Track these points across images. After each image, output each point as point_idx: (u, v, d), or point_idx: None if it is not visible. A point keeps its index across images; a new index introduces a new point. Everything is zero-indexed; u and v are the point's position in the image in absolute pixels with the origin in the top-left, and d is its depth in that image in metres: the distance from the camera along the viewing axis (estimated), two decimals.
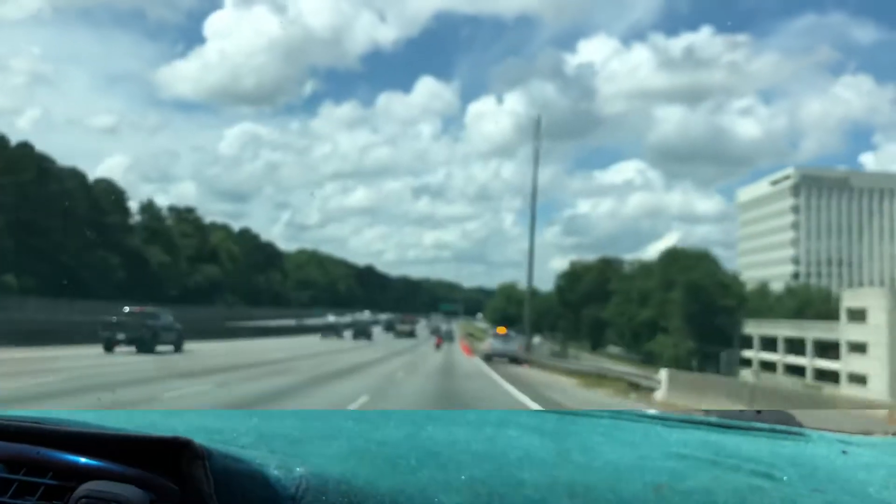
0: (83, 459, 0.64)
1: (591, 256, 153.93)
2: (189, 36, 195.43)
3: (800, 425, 1.31)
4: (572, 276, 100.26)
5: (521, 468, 0.85)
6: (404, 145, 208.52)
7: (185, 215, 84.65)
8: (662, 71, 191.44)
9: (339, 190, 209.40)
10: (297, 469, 0.75)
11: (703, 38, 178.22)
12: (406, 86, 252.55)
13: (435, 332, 66.90)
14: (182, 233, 78.47)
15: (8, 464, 0.66)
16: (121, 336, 23.07)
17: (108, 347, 23.01)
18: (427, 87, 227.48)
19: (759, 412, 1.41)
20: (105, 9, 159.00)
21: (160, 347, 24.16)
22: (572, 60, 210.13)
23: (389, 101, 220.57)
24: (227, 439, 0.89)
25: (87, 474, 0.65)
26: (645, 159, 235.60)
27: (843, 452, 1.03)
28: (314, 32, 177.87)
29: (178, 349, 25.43)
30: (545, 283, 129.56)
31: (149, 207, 77.42)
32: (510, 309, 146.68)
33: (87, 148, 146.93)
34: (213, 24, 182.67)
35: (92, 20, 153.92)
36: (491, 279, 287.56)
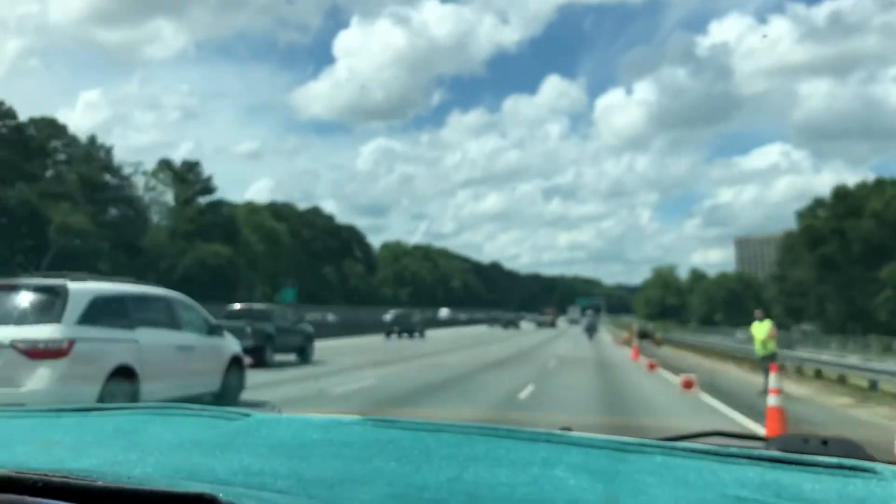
0: None
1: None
2: (319, 57, 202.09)
3: (871, 458, 1.15)
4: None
5: None
6: (533, 147, 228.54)
7: None
8: (805, 42, 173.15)
9: (472, 197, 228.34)
10: None
11: (851, 1, 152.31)
12: (532, 87, 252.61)
13: (573, 323, 79.06)
14: None
15: None
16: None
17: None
18: (553, 86, 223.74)
19: (825, 442, 1.25)
20: (242, 41, 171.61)
21: None
22: (704, 42, 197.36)
23: (516, 104, 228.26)
24: (265, 483, 0.85)
25: None
26: (789, 140, 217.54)
27: None
28: (439, 42, 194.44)
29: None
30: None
31: None
32: (669, 298, 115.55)
33: (235, 174, 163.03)
34: (341, 44, 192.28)
35: (232, 55, 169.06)
36: (630, 277, 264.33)
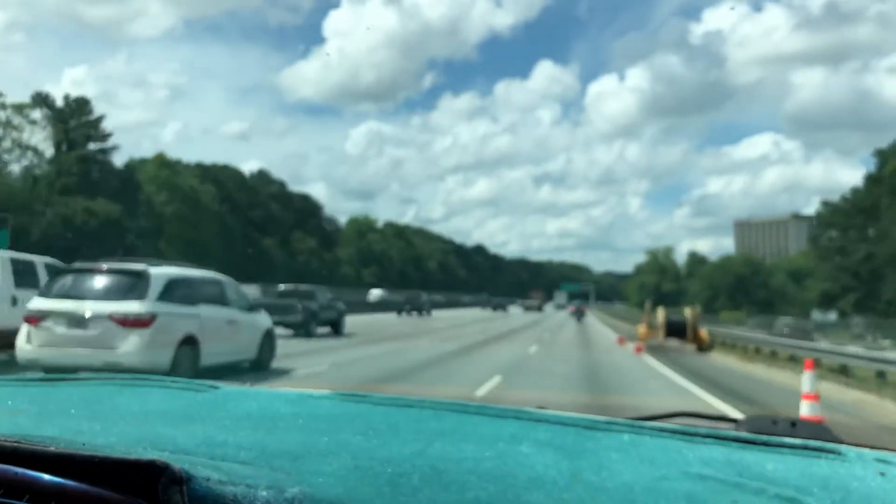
0: (60, 481, 0.63)
1: (725, 237, 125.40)
2: (309, 37, 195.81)
3: (837, 440, 1.19)
4: None
5: (530, 490, 0.79)
6: (524, 133, 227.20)
7: None
8: (799, 31, 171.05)
9: (461, 182, 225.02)
10: (291, 490, 0.71)
11: None
12: (524, 72, 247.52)
13: (559, 308, 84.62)
14: None
15: None
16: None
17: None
18: (545, 72, 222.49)
19: (794, 424, 1.28)
20: (231, 20, 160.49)
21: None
22: (698, 29, 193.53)
23: (508, 89, 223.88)
24: (228, 454, 0.84)
25: (63, 496, 0.63)
26: (780, 130, 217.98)
27: (881, 474, 0.93)
28: (431, 24, 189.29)
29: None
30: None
31: None
32: (665, 284, 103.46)
33: (222, 154, 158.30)
34: (332, 24, 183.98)
35: (221, 34, 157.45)
36: (619, 266, 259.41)
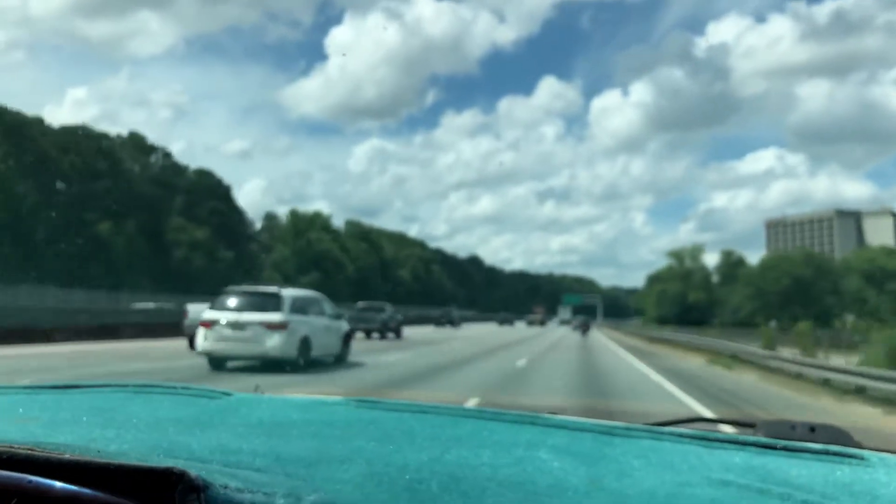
0: (76, 489, 0.63)
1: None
2: (310, 53, 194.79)
3: (858, 445, 1.17)
4: None
5: (550, 497, 0.78)
6: (527, 149, 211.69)
7: None
8: (804, 43, 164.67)
9: (465, 199, 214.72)
10: (308, 497, 0.70)
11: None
12: (527, 87, 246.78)
13: (563, 324, 77.53)
14: None
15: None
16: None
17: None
18: (548, 87, 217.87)
19: (812, 429, 1.27)
20: (232, 37, 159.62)
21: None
22: (702, 42, 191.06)
23: (511, 105, 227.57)
24: (243, 461, 0.84)
25: None
26: (785, 143, 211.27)
27: None
28: (433, 40, 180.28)
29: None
30: None
31: None
32: (693, 293, 76.07)
33: (225, 173, 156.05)
34: (333, 40, 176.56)
35: (223, 53, 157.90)
36: (625, 280, 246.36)
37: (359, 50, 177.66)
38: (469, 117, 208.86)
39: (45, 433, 0.97)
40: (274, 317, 13.91)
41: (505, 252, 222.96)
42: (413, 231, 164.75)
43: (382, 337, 31.23)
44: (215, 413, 1.12)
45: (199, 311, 17.36)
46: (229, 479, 0.66)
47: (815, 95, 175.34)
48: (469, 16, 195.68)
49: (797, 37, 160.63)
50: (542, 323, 78.02)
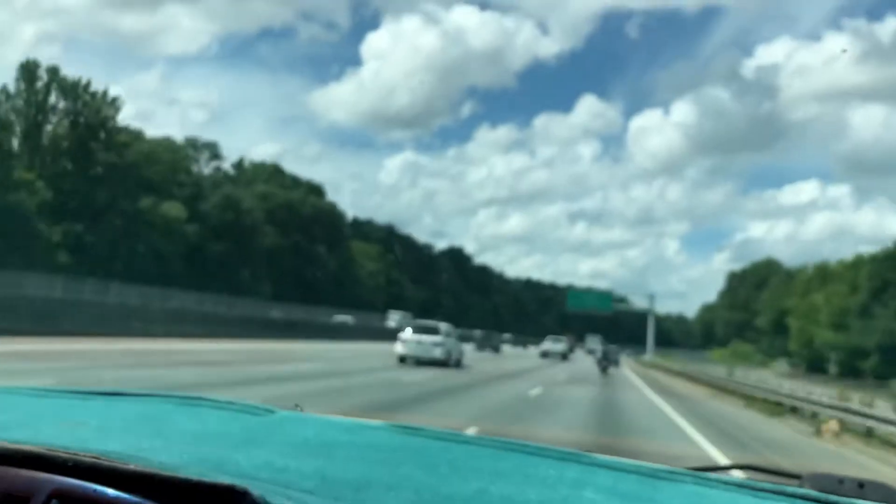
0: (141, 501, 0.65)
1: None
2: (344, 58, 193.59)
3: None
4: None
5: None
6: (561, 168, 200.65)
7: None
8: (864, 63, 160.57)
9: (495, 216, 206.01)
10: None
11: None
12: (566, 104, 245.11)
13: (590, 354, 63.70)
14: None
15: (63, 499, 0.66)
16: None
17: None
18: (588, 106, 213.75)
19: (861, 485, 1.20)
20: (265, 38, 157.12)
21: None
22: (751, 62, 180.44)
23: (547, 122, 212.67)
24: (291, 481, 0.85)
25: None
26: (830, 173, 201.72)
27: None
28: (473, 49, 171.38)
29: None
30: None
31: None
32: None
33: None
34: (369, 44, 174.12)
35: (256, 55, 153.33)
36: (660, 306, 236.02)
37: (394, 56, 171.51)
38: (504, 132, 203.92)
39: (95, 438, 0.98)
40: (437, 338, 26.31)
41: (534, 272, 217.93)
42: (441, 246, 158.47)
43: (495, 352, 52.98)
44: (259, 429, 1.13)
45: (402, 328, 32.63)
46: (282, 499, 0.66)
47: (867, 122, 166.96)
48: (512, 26, 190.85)
49: (855, 57, 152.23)
50: (565, 356, 54.22)
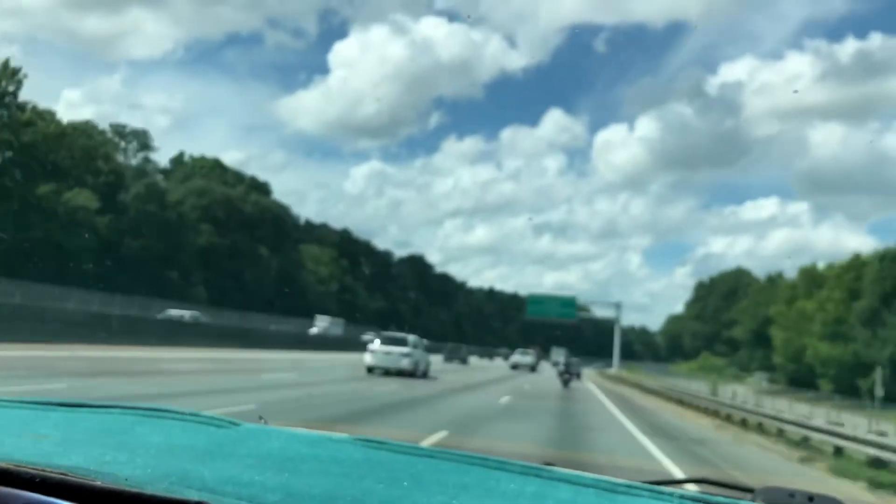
0: None
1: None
2: (311, 65, 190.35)
3: None
4: None
5: None
6: (527, 180, 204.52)
7: None
8: (825, 82, 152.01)
9: (461, 227, 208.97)
10: None
11: (879, 40, 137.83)
12: (532, 118, 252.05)
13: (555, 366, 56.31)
14: None
15: None
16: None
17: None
18: (554, 119, 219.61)
19: (811, 499, 1.23)
20: (231, 43, 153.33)
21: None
22: (715, 79, 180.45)
23: (514, 135, 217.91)
24: (255, 496, 0.86)
25: None
26: (790, 190, 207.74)
27: None
28: (441, 60, 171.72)
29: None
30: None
31: None
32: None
33: None
34: (337, 52, 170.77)
35: (221, 60, 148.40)
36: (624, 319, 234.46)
37: (362, 65, 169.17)
38: (470, 143, 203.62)
39: (59, 452, 0.97)
40: (404, 349, 27.13)
41: (498, 284, 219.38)
42: (404, 256, 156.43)
43: (463, 364, 53.19)
44: (224, 442, 1.11)
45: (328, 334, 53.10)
46: None
47: (826, 141, 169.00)
48: (480, 39, 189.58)
49: (815, 76, 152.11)
50: (534, 368, 58.67)
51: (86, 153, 50.96)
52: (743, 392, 35.43)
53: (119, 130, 63.90)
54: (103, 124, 63.63)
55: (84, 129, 53.94)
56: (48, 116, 51.15)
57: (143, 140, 65.66)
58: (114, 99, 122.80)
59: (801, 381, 54.33)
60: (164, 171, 69.15)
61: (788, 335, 57.83)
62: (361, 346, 57.02)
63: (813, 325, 52.78)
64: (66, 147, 49.07)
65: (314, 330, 55.46)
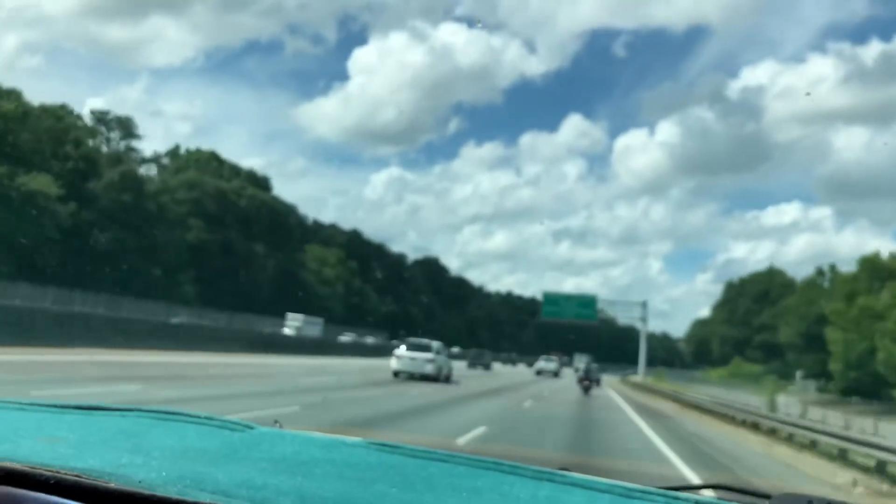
0: None
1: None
2: (331, 72, 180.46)
3: None
4: None
5: None
6: (546, 186, 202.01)
7: None
8: (848, 85, 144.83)
9: (479, 233, 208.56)
10: None
11: None
12: (551, 123, 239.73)
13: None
14: None
15: None
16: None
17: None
18: (573, 124, 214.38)
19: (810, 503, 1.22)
20: (251, 51, 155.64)
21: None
22: (736, 83, 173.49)
23: (533, 140, 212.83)
24: (268, 498, 0.87)
25: None
26: (813, 195, 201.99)
27: None
28: (461, 66, 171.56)
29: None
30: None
31: None
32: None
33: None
34: (357, 61, 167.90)
35: (241, 68, 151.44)
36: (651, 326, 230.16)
37: (381, 71, 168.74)
38: (489, 149, 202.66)
39: (74, 455, 0.97)
40: (429, 355, 28.77)
41: (517, 290, 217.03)
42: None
43: (487, 369, 54.49)
44: (239, 446, 1.12)
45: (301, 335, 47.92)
46: None
47: (850, 145, 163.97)
48: (499, 45, 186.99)
49: (838, 79, 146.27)
50: (557, 374, 58.16)
51: (52, 137, 45.67)
52: (795, 404, 29.33)
53: (101, 117, 58.73)
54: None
55: (53, 112, 48.72)
56: (13, 96, 46.08)
57: (127, 127, 60.45)
58: (136, 106, 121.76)
59: (862, 390, 47.70)
60: (159, 164, 64.10)
61: (849, 337, 50.93)
62: (339, 350, 50.60)
63: (884, 324, 45.81)
64: (29, 129, 43.78)
65: (287, 331, 49.29)
